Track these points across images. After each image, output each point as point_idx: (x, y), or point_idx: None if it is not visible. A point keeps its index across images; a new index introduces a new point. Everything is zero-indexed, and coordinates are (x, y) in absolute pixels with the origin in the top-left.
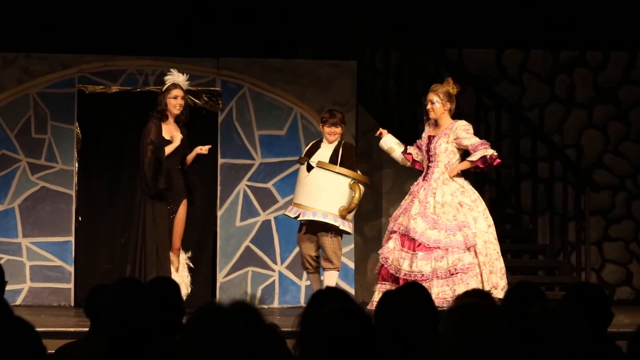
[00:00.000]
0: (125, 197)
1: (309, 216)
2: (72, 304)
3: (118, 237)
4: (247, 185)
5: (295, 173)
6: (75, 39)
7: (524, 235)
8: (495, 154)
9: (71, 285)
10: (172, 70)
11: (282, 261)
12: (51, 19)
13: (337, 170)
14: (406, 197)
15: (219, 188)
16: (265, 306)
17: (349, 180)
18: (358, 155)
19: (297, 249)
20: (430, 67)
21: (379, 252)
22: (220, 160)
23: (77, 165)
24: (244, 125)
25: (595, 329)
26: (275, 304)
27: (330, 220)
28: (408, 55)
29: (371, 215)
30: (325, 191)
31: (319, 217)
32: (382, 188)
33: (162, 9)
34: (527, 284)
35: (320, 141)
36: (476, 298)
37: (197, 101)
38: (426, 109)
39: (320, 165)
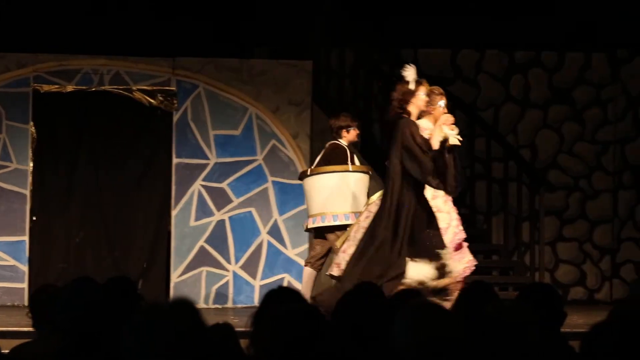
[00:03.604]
0: (80, 196)
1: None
2: (26, 304)
3: (73, 236)
4: (202, 185)
5: (250, 173)
6: (30, 38)
7: (478, 235)
8: None
9: (25, 285)
10: (407, 66)
11: (237, 261)
12: (6, 18)
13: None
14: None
15: (173, 188)
16: (220, 306)
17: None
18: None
19: (251, 249)
20: (385, 67)
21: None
22: (174, 160)
23: (32, 165)
24: (199, 125)
25: (548, 329)
26: (229, 304)
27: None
28: (363, 55)
29: None
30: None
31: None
32: None
33: (118, 8)
34: (480, 283)
35: (345, 146)
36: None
37: (152, 101)
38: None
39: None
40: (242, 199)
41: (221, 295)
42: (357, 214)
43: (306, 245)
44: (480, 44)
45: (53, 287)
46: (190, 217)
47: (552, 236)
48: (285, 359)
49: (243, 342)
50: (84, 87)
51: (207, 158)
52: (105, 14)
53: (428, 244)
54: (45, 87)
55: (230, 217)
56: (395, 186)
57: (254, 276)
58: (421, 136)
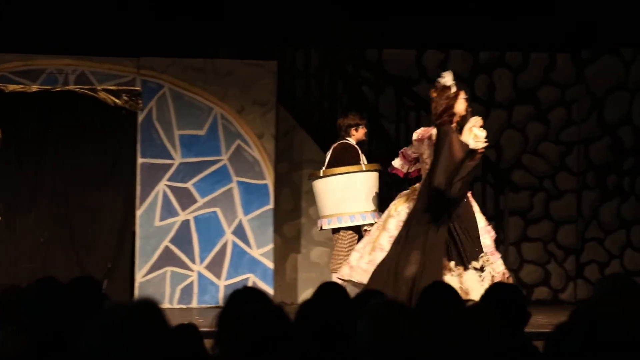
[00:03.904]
0: (45, 196)
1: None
2: None
3: (38, 236)
4: (167, 185)
5: (215, 173)
6: None
7: None
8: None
9: None
10: (444, 72)
11: (201, 261)
12: None
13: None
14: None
15: (138, 188)
16: (184, 306)
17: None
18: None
19: (216, 249)
20: (350, 67)
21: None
22: (139, 160)
23: None
24: (164, 125)
25: (512, 329)
26: (194, 304)
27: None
28: (328, 55)
29: (290, 215)
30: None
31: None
32: (302, 188)
33: (83, 8)
34: (441, 284)
35: (355, 146)
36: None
37: (117, 101)
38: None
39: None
40: (207, 199)
41: (186, 295)
42: (373, 213)
43: (271, 245)
44: (445, 44)
45: (18, 288)
46: (155, 217)
47: (516, 236)
48: (250, 359)
49: (208, 342)
50: (48, 87)
51: (172, 158)
52: (70, 14)
53: (477, 249)
54: (10, 87)
55: (195, 217)
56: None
57: (218, 276)
58: (460, 142)
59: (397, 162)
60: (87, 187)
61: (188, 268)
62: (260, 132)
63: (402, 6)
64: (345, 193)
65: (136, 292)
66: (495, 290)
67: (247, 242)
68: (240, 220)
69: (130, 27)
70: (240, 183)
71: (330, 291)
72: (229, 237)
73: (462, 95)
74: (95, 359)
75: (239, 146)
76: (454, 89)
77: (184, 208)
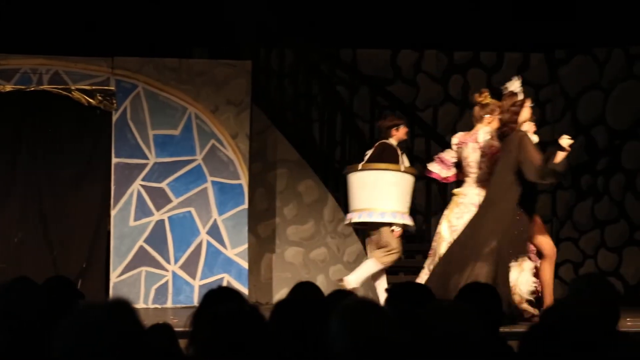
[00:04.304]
0: (19, 196)
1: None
2: None
3: (12, 236)
4: (141, 185)
5: (190, 173)
6: None
7: (417, 235)
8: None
9: None
10: (513, 78)
11: (176, 261)
12: None
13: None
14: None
15: (112, 188)
16: (159, 306)
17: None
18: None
19: (191, 249)
20: (324, 67)
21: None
22: (114, 160)
23: None
24: (138, 124)
25: (487, 329)
26: (169, 304)
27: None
28: (302, 55)
29: (265, 215)
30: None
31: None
32: (276, 188)
33: (56, 7)
34: (413, 284)
35: (395, 146)
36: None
37: (91, 100)
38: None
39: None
40: (181, 198)
41: (160, 295)
42: (404, 214)
43: (245, 245)
44: (420, 44)
45: None
46: (129, 217)
47: None
48: (225, 359)
49: (182, 342)
50: (22, 87)
51: (146, 158)
52: (44, 14)
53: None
54: None
55: (169, 217)
56: (505, 195)
57: (193, 276)
58: (535, 146)
59: (434, 167)
60: (62, 187)
61: (163, 268)
62: (234, 131)
63: (377, 6)
64: (380, 189)
65: (111, 292)
66: (471, 290)
67: (221, 242)
68: (215, 220)
69: (104, 27)
70: (214, 183)
71: (305, 291)
72: (204, 237)
73: (528, 103)
74: (68, 359)
75: (213, 146)
76: (521, 96)
77: (158, 208)
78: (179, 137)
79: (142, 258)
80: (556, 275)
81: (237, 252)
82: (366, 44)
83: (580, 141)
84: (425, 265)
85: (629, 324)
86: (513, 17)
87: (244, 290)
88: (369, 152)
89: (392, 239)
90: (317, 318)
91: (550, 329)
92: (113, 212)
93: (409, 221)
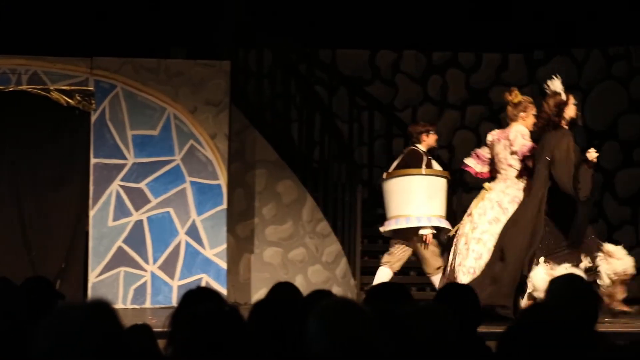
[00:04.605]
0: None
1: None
2: None
3: None
4: (120, 185)
5: (168, 173)
6: None
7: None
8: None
9: None
10: (554, 77)
11: (155, 261)
12: None
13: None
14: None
15: (91, 188)
16: (138, 306)
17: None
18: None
19: (169, 249)
20: (303, 67)
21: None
22: (92, 160)
23: None
24: (117, 125)
25: (465, 329)
26: (147, 304)
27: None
28: (281, 55)
29: (244, 215)
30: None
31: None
32: (255, 188)
33: (35, 8)
34: (391, 284)
35: (422, 151)
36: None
37: (70, 101)
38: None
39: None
40: (160, 199)
41: (139, 296)
42: (439, 218)
43: (224, 246)
44: (398, 44)
45: None
46: (108, 218)
47: None
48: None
49: (161, 343)
50: (1, 87)
51: (125, 158)
52: (23, 14)
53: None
54: None
55: (148, 218)
56: (540, 192)
57: (172, 276)
58: (574, 146)
59: (470, 161)
60: (40, 187)
61: (141, 268)
62: (213, 132)
63: (356, 6)
64: (404, 195)
65: (89, 293)
66: (448, 290)
67: (200, 243)
68: (194, 221)
69: (83, 27)
70: (193, 183)
71: (283, 291)
72: (182, 237)
73: (572, 100)
74: None
75: (192, 146)
76: (563, 95)
77: (137, 208)
78: (157, 137)
79: (120, 258)
80: None
81: (215, 252)
82: (345, 44)
83: None
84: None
85: (607, 324)
86: (492, 18)
87: (223, 290)
88: (398, 159)
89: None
90: (295, 318)
91: (528, 329)
92: (92, 213)
93: (439, 223)
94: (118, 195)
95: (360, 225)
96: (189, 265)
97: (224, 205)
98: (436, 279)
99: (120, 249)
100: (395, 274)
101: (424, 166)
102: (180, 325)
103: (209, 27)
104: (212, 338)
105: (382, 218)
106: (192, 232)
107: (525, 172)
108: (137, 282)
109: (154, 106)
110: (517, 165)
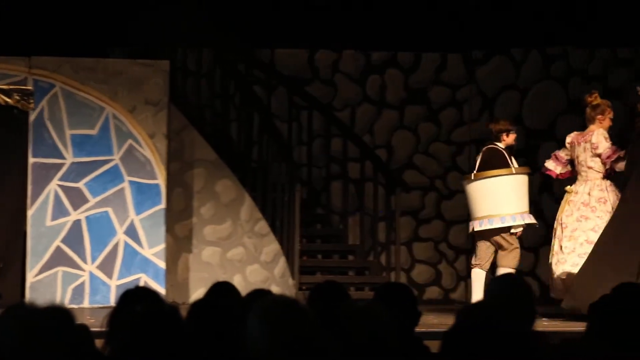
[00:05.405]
0: None
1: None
2: None
3: None
4: (58, 185)
5: (107, 172)
6: None
7: (334, 235)
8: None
9: None
10: None
11: (93, 261)
12: None
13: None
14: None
15: (29, 187)
16: (76, 306)
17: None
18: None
19: (108, 249)
20: (241, 67)
21: None
22: (30, 160)
23: None
24: (56, 124)
25: (403, 329)
26: (86, 304)
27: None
28: (219, 55)
29: (182, 215)
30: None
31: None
32: (194, 187)
33: None
34: (331, 283)
35: (503, 149)
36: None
37: (8, 100)
38: None
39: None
40: (98, 198)
41: (77, 295)
42: (523, 214)
43: (163, 245)
44: (337, 44)
45: None
46: (46, 217)
47: (408, 236)
48: (142, 359)
49: (99, 342)
50: None
51: (63, 158)
52: None
53: None
54: None
55: (86, 217)
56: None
57: (110, 276)
58: None
59: (550, 164)
60: None
61: (80, 268)
62: (152, 131)
63: (294, 6)
64: (496, 195)
65: (27, 293)
66: (386, 290)
67: (138, 242)
68: (132, 220)
69: (21, 26)
70: (132, 183)
71: (222, 291)
72: (121, 236)
73: None
74: None
75: (131, 146)
76: None
77: (75, 208)
78: (96, 136)
79: (59, 258)
80: None
81: (154, 252)
82: (284, 44)
83: None
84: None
85: (545, 324)
86: (431, 18)
87: (161, 290)
88: (478, 158)
89: (512, 240)
90: (234, 318)
91: (467, 329)
92: (30, 212)
93: (529, 219)
94: (56, 195)
95: (299, 224)
96: (127, 265)
97: (163, 205)
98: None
99: (58, 248)
100: (333, 273)
101: (512, 164)
102: (118, 324)
103: (147, 26)
104: (151, 338)
105: (320, 218)
106: (131, 231)
107: (608, 173)
108: (76, 281)
109: (92, 106)
110: (598, 167)
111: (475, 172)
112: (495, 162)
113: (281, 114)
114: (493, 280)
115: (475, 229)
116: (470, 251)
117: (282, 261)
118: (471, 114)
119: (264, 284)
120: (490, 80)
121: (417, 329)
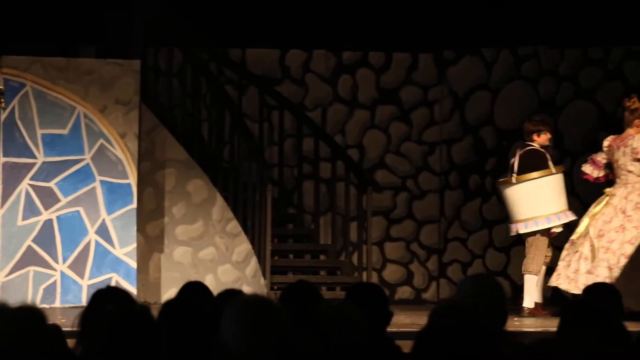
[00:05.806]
0: None
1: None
2: None
3: None
4: (29, 185)
5: (78, 172)
6: None
7: (305, 235)
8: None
9: None
10: None
11: (64, 260)
12: None
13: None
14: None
15: (0, 187)
16: (47, 306)
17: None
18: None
19: (79, 249)
20: (213, 66)
21: None
22: (1, 159)
23: None
24: (27, 123)
25: (374, 328)
26: (57, 304)
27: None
28: (190, 54)
29: (154, 214)
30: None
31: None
32: (165, 187)
33: None
34: (303, 283)
35: (540, 149)
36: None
37: None
38: None
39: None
40: (69, 198)
41: (49, 295)
42: (566, 213)
43: (134, 245)
44: (308, 44)
45: None
46: (17, 217)
47: (379, 236)
48: (114, 359)
49: (70, 342)
50: None
51: (34, 157)
52: None
53: None
54: None
55: (58, 217)
56: None
57: (81, 276)
58: None
59: (587, 168)
60: None
61: (51, 268)
62: (123, 131)
63: (265, 6)
64: (540, 196)
65: None
66: (358, 290)
67: (110, 242)
68: (104, 220)
69: None
70: (103, 182)
71: (193, 291)
72: (92, 236)
73: None
74: None
75: (102, 145)
76: None
77: (46, 207)
78: (67, 136)
79: (30, 258)
80: (444, 275)
81: (125, 251)
82: (255, 44)
83: (469, 141)
84: (562, 260)
85: (516, 323)
86: (401, 18)
87: (133, 289)
88: (514, 161)
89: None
90: (206, 318)
91: (438, 329)
92: (1, 212)
93: (571, 217)
94: (27, 195)
95: (271, 224)
96: (98, 265)
97: (134, 205)
98: (542, 271)
99: (29, 248)
100: (305, 273)
101: (551, 165)
102: (90, 324)
103: (118, 25)
104: (122, 337)
105: (292, 218)
106: (102, 231)
107: None
108: (47, 281)
109: (63, 105)
110: (638, 171)
111: (515, 174)
112: (536, 163)
113: (252, 113)
114: (465, 280)
115: (520, 232)
116: (442, 251)
117: (253, 261)
118: (442, 114)
119: (235, 284)
120: (462, 80)
121: (389, 329)
